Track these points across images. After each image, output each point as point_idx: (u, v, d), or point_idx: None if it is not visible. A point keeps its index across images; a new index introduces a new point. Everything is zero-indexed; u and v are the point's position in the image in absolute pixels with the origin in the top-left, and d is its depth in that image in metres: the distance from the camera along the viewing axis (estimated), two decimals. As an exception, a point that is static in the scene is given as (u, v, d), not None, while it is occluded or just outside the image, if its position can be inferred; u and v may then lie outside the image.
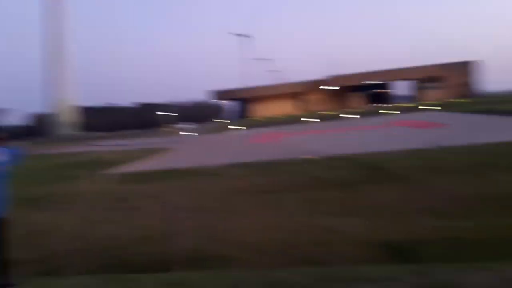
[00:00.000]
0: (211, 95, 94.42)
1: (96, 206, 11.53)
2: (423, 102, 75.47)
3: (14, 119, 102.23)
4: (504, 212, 9.09)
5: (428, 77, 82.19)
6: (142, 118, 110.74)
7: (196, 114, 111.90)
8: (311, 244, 8.05)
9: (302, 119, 62.75)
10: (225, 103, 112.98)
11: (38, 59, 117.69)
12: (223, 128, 62.54)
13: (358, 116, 58.04)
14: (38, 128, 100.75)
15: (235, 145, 33.24)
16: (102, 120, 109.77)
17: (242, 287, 4.21)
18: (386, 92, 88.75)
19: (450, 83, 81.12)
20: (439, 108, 56.43)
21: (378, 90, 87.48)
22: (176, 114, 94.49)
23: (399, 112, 58.49)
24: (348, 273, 4.30)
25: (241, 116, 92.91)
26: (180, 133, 61.37)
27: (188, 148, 34.56)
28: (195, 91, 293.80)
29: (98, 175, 18.46)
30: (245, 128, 59.16)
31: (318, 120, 58.77)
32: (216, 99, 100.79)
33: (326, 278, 4.20)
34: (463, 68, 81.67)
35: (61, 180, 17.17)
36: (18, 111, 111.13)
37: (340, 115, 62.09)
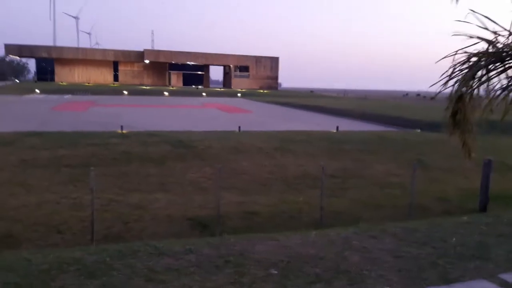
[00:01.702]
0: (7, 50, 79.01)
1: None
2: (233, 88, 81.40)
3: None
4: (289, 190, 10.79)
5: (240, 66, 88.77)
6: None
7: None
8: (116, 221, 7.86)
9: (113, 90, 59.26)
10: (28, 61, 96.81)
11: None
12: (22, 89, 53.69)
13: (173, 94, 58.45)
14: None
15: (35, 111, 29.08)
16: None
17: (25, 270, 3.79)
18: (202, 75, 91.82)
19: (257, 74, 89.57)
20: (246, 96, 61.85)
21: (195, 72, 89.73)
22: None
23: (212, 95, 61.52)
24: (147, 248, 4.37)
25: (45, 79, 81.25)
26: None
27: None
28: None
29: None
30: (48, 92, 52.20)
31: (131, 93, 56.58)
32: (12, 55, 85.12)
33: (124, 254, 4.17)
34: (269, 63, 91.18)
35: None
36: None
37: (155, 91, 61.27)
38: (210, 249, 4.40)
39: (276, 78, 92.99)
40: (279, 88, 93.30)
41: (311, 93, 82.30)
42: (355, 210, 9.13)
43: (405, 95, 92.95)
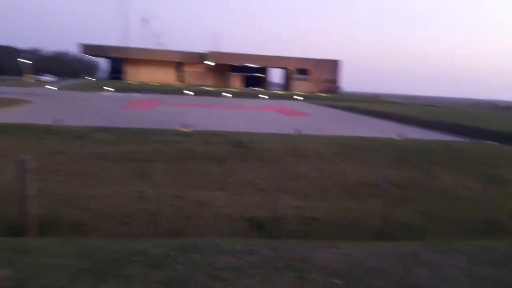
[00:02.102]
0: (82, 49, 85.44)
1: None
2: (292, 91, 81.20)
3: None
4: (349, 197, 10.49)
5: (299, 69, 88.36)
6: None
7: (65, 67, 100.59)
8: (178, 216, 8.10)
9: (178, 90, 61.59)
10: (98, 60, 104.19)
11: None
12: (94, 87, 57.62)
13: (234, 96, 59.57)
14: None
15: (105, 107, 31.02)
16: None
17: (96, 256, 4.00)
18: (262, 77, 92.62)
19: (317, 77, 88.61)
20: (306, 99, 61.42)
21: (255, 74, 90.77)
22: (39, 64, 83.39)
23: (271, 97, 61.85)
24: (209, 245, 4.44)
25: (115, 77, 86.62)
26: (45, 86, 54.50)
27: (50, 103, 31.01)
28: (66, 42, 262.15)
29: None
30: (118, 90, 55.54)
31: (195, 93, 58.45)
32: (86, 54, 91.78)
33: (187, 249, 4.27)
34: (330, 66, 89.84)
35: None
36: None
37: (217, 92, 62.80)
38: (271, 251, 4.36)
39: (337, 81, 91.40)
40: (340, 92, 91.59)
41: (374, 98, 79.90)
42: (419, 222, 8.65)
43: (476, 102, 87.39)
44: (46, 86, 52.94)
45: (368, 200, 10.09)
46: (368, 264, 4.26)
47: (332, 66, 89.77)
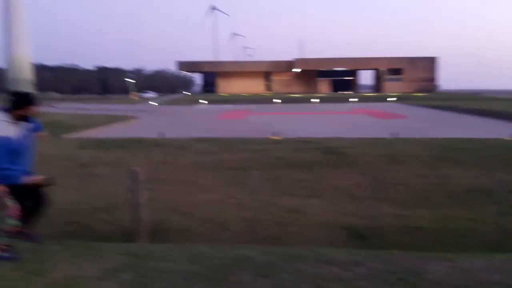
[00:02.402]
0: (178, 66, 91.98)
1: (56, 171, 11.08)
2: (384, 92, 77.75)
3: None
4: (456, 205, 9.67)
5: (391, 69, 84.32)
6: (104, 83, 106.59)
7: (164, 84, 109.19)
8: (274, 223, 8.21)
9: (267, 99, 62.82)
10: (193, 75, 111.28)
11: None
12: (190, 100, 61.50)
13: (322, 101, 58.95)
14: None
15: (201, 119, 32.89)
16: (57, 80, 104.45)
17: (206, 262, 4.20)
18: (351, 80, 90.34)
19: (411, 76, 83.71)
20: (400, 100, 58.35)
21: (343, 78, 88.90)
22: (142, 82, 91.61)
23: (362, 100, 59.94)
24: (312, 254, 4.40)
25: (208, 90, 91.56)
26: (148, 102, 59.70)
27: (153, 118, 33.82)
28: (164, 60, 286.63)
29: (57, 138, 17.70)
30: (211, 102, 58.51)
31: (282, 101, 59.07)
32: (182, 70, 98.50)
33: (292, 258, 4.27)
34: (426, 63, 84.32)
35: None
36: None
37: (304, 99, 62.73)
38: (378, 263, 4.18)
39: (434, 80, 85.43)
40: (438, 91, 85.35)
41: (475, 95, 73.11)
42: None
43: None
44: (149, 102, 57.77)
45: (479, 209, 9.18)
46: (490, 279, 3.86)
47: (428, 63, 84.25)
